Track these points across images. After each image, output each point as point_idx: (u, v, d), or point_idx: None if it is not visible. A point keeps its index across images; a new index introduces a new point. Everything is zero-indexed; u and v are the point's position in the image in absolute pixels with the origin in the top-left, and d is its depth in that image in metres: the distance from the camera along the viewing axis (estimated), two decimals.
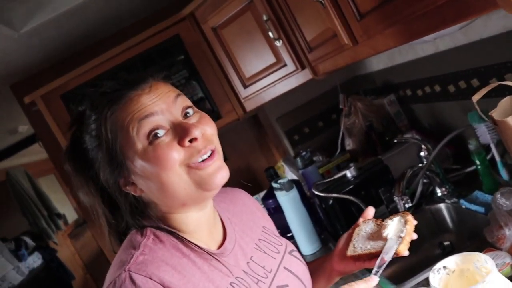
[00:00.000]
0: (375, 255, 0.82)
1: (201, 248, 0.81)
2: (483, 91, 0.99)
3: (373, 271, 0.79)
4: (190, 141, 0.76)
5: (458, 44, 1.54)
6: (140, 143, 0.76)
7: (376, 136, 1.95)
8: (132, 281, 0.71)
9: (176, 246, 0.80)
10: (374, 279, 0.76)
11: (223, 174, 0.79)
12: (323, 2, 1.18)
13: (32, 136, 3.79)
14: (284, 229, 1.66)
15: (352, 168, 1.59)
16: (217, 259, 0.82)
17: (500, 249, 1.03)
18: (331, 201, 1.56)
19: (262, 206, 1.77)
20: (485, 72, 1.46)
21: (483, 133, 1.38)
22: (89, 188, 0.83)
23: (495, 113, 0.99)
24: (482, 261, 0.75)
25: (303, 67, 1.67)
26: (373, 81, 2.26)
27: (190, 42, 1.86)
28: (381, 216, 0.95)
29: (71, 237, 5.39)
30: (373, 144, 1.95)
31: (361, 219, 0.92)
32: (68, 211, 5.52)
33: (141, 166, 0.77)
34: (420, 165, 1.52)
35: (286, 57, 1.68)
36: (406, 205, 1.39)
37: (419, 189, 1.54)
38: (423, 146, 1.54)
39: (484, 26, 1.39)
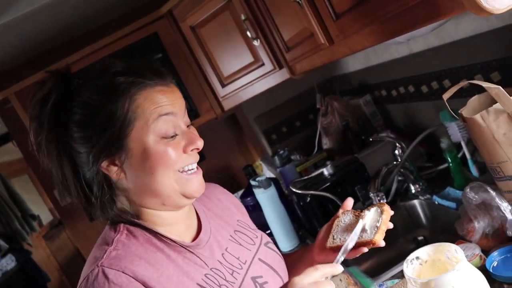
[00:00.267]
0: (354, 246, 0.83)
1: (175, 242, 0.82)
2: (453, 89, 1.03)
3: (337, 257, 0.80)
4: (192, 150, 0.81)
5: (431, 45, 1.58)
6: (154, 135, 0.78)
7: (352, 135, 1.98)
8: (105, 275, 0.72)
9: (149, 241, 0.81)
10: (339, 266, 0.76)
11: (203, 188, 0.85)
12: (300, 2, 1.20)
13: (4, 135, 3.69)
14: (262, 227, 1.67)
15: (329, 166, 1.62)
16: (191, 252, 0.83)
17: (470, 241, 1.07)
18: (308, 199, 1.58)
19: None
20: (456, 73, 1.51)
21: (454, 131, 1.43)
22: (60, 155, 0.80)
23: (465, 111, 1.03)
24: (453, 251, 0.79)
25: (280, 67, 1.69)
26: (349, 82, 2.30)
27: (169, 40, 1.86)
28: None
29: (46, 239, 5.28)
30: (349, 143, 1.98)
31: (340, 211, 0.93)
32: (42, 212, 5.40)
33: (141, 155, 0.78)
34: (394, 163, 1.56)
35: (264, 56, 1.70)
36: (381, 201, 1.42)
37: (394, 186, 1.58)
38: (397, 144, 1.58)
39: (455, 29, 1.43)
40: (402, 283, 1.05)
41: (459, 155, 1.47)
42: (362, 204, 1.57)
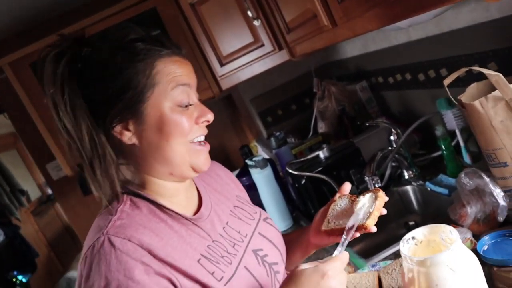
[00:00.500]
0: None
1: (179, 214, 0.83)
2: (454, 75, 1.04)
3: (340, 245, 0.82)
4: (202, 122, 0.84)
5: (429, 34, 1.59)
6: (171, 102, 0.80)
7: (348, 120, 2.00)
8: (111, 243, 0.73)
9: (153, 212, 0.82)
10: (345, 255, 0.79)
11: (210, 163, 0.87)
12: None
13: None
14: (262, 209, 1.70)
15: (325, 149, 1.64)
16: (194, 224, 0.85)
17: (462, 226, 1.10)
18: (303, 180, 1.60)
19: None
20: (454, 62, 1.52)
21: (450, 119, 1.45)
22: (83, 109, 0.78)
23: (463, 97, 1.04)
24: (448, 232, 0.81)
25: (280, 48, 1.69)
26: (347, 67, 2.31)
27: (167, 16, 1.84)
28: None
29: (35, 215, 5.27)
30: (345, 128, 2.00)
31: (337, 195, 0.95)
32: (31, 188, 5.38)
33: (157, 122, 0.79)
34: (389, 148, 1.58)
35: (264, 37, 1.69)
36: (376, 185, 1.44)
37: (388, 171, 1.60)
38: (393, 130, 1.60)
39: (455, 18, 1.44)
40: (395, 264, 1.08)
41: (453, 143, 1.50)
42: (356, 188, 1.59)
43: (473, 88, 1.07)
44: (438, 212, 1.40)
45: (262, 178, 1.65)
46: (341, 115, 2.02)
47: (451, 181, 1.42)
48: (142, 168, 0.83)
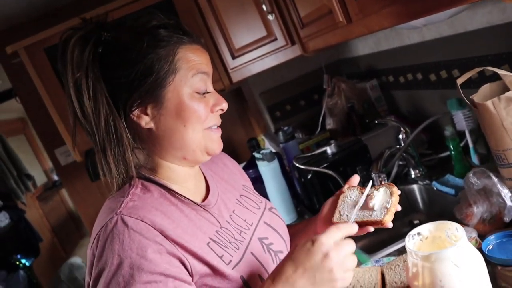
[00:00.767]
0: (360, 225, 0.84)
1: (188, 199, 0.85)
2: (468, 75, 1.05)
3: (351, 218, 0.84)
4: (217, 110, 0.86)
5: (443, 34, 1.59)
6: (190, 89, 0.82)
7: (356, 117, 2.00)
8: (124, 223, 0.74)
9: (164, 196, 0.83)
10: (355, 225, 0.80)
11: (221, 145, 0.89)
12: None
13: (6, 92, 3.67)
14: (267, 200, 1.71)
15: (333, 145, 1.64)
16: (204, 209, 0.86)
17: (467, 225, 1.10)
18: (310, 175, 1.61)
19: None
20: (467, 63, 1.52)
21: (460, 120, 1.45)
22: (104, 92, 0.79)
23: (476, 97, 1.05)
24: (453, 229, 0.81)
25: (293, 43, 1.69)
26: (358, 65, 2.31)
27: (182, 7, 1.85)
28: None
29: (40, 200, 5.32)
30: (353, 125, 2.00)
31: (346, 186, 0.95)
32: (37, 173, 5.43)
33: (176, 107, 0.81)
34: (397, 146, 1.59)
35: (277, 31, 1.70)
36: (383, 182, 1.45)
37: (395, 169, 1.61)
38: (402, 129, 1.60)
39: (470, 19, 1.44)
40: (399, 260, 1.09)
41: (462, 144, 1.50)
42: (362, 185, 1.59)
43: (485, 88, 1.08)
44: (443, 212, 1.40)
45: (269, 171, 1.66)
46: (350, 113, 2.03)
47: (458, 181, 1.42)
48: (156, 152, 0.85)
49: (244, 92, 2.45)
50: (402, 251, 1.21)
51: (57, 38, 1.85)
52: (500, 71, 0.95)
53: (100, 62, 0.79)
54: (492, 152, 1.05)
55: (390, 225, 0.84)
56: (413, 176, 1.61)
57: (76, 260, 4.16)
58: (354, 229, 0.78)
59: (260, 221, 0.96)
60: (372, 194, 0.88)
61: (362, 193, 0.90)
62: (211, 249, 0.80)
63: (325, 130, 2.17)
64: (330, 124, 2.14)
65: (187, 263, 0.76)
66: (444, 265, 0.75)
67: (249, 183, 1.10)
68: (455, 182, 1.43)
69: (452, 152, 1.47)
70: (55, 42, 1.80)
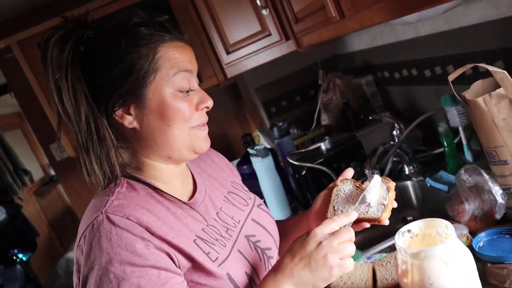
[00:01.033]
0: (357, 221, 0.83)
1: (175, 197, 0.84)
2: (459, 71, 1.04)
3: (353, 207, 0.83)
4: (202, 109, 0.84)
5: (437, 30, 1.58)
6: (172, 88, 0.81)
7: (351, 113, 2.00)
8: (110, 221, 0.73)
9: (150, 194, 0.83)
10: (354, 213, 0.80)
11: (209, 142, 0.88)
12: None
13: (1, 87, 3.65)
14: (257, 196, 1.71)
15: (327, 141, 1.64)
16: (190, 207, 0.86)
17: (459, 222, 1.11)
18: (304, 171, 1.60)
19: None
20: (461, 59, 1.51)
21: (453, 116, 1.45)
22: (84, 93, 0.78)
23: (467, 94, 1.04)
24: (443, 226, 0.81)
25: (287, 38, 1.69)
26: (353, 61, 2.30)
27: (176, 2, 1.83)
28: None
29: (37, 195, 5.31)
30: (348, 121, 2.00)
31: (340, 178, 0.93)
32: (34, 168, 5.41)
33: (158, 107, 0.80)
34: (391, 143, 1.59)
35: (271, 26, 1.69)
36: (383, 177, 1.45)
37: (389, 165, 1.61)
38: (396, 125, 1.60)
39: (464, 15, 1.43)
40: (390, 256, 1.09)
41: (455, 140, 1.50)
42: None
43: (478, 85, 1.07)
44: (436, 208, 1.40)
45: (263, 167, 1.66)
46: (345, 108, 2.02)
47: (452, 178, 1.42)
48: (141, 152, 0.84)
49: (240, 88, 2.44)
50: (394, 247, 1.19)
51: None
52: (491, 68, 0.95)
53: (81, 62, 0.78)
54: (484, 149, 1.05)
55: (386, 222, 0.83)
56: (407, 172, 1.61)
57: (73, 254, 4.14)
58: (353, 217, 0.79)
59: (247, 218, 0.96)
60: (366, 187, 0.86)
61: (356, 186, 0.89)
62: (198, 246, 0.80)
63: (320, 126, 2.16)
64: (325, 120, 2.14)
65: (174, 258, 0.76)
66: (433, 263, 0.75)
67: (238, 180, 1.09)
68: (449, 178, 1.43)
69: (446, 149, 1.47)
70: None
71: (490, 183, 1.03)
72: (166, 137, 0.82)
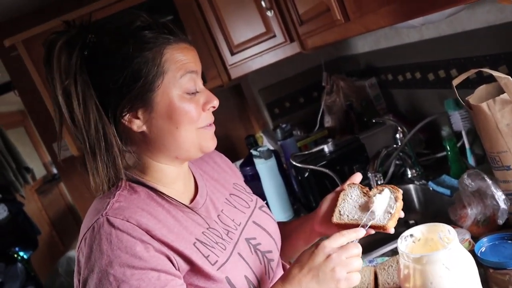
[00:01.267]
0: (362, 226, 0.84)
1: (176, 200, 0.85)
2: (463, 76, 1.04)
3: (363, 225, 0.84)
4: (208, 109, 0.85)
5: (442, 33, 1.58)
6: (180, 90, 0.81)
7: (354, 115, 2.00)
8: (111, 223, 0.74)
9: (151, 197, 0.83)
10: (362, 230, 0.81)
11: (215, 141, 0.88)
12: None
13: (5, 85, 3.67)
14: (259, 197, 1.71)
15: (330, 143, 1.64)
16: (191, 210, 0.86)
17: (461, 227, 1.10)
18: (307, 173, 1.61)
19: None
20: (465, 63, 1.51)
21: (457, 120, 1.45)
22: (93, 98, 0.78)
23: (471, 99, 1.04)
24: (446, 231, 0.82)
25: (291, 40, 1.69)
26: (357, 63, 2.30)
27: (181, 2, 1.84)
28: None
29: (39, 193, 5.32)
30: (351, 123, 2.00)
31: (347, 182, 0.94)
32: (36, 166, 5.43)
33: (167, 110, 0.80)
34: (394, 146, 1.59)
35: (276, 28, 1.70)
36: (379, 182, 1.45)
37: (391, 169, 1.61)
38: (399, 128, 1.60)
39: (468, 19, 1.43)
40: (392, 260, 1.09)
41: (458, 144, 1.50)
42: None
43: (482, 90, 1.07)
44: (439, 212, 1.40)
45: (266, 168, 1.66)
46: (348, 111, 2.02)
47: (454, 182, 1.42)
48: (148, 154, 0.84)
49: (243, 89, 2.44)
50: (396, 251, 1.19)
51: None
52: (495, 73, 0.95)
53: (87, 67, 0.78)
54: (487, 154, 1.05)
55: (392, 231, 0.85)
56: (409, 176, 1.61)
57: (74, 253, 4.17)
58: (361, 233, 0.80)
59: (249, 221, 0.96)
60: (371, 194, 0.87)
61: (364, 193, 0.89)
62: (197, 249, 0.80)
63: (323, 128, 2.16)
64: (328, 122, 2.14)
65: (174, 261, 0.76)
66: (435, 268, 0.76)
67: (240, 181, 1.09)
68: (451, 182, 1.43)
69: (449, 153, 1.47)
70: None
71: (493, 188, 1.03)
72: (175, 139, 0.82)
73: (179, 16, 1.85)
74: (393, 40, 1.90)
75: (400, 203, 0.86)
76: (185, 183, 0.91)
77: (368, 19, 1.13)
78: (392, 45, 1.92)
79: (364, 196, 0.89)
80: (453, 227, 1.12)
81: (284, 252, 1.04)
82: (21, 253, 3.84)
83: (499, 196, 1.03)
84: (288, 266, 1.00)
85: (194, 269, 0.78)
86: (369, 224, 0.84)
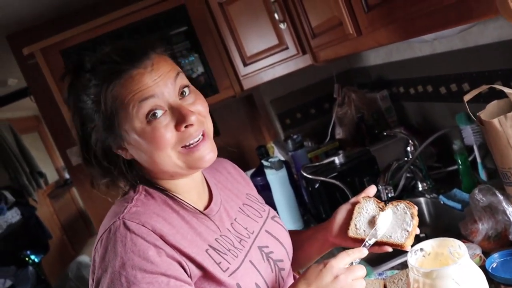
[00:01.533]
0: (379, 243, 0.86)
1: (191, 205, 0.87)
2: (474, 92, 1.05)
3: (365, 244, 0.86)
4: (186, 126, 0.80)
5: (454, 48, 1.59)
6: (139, 121, 0.79)
7: (365, 128, 2.00)
8: (127, 227, 0.77)
9: (166, 202, 0.86)
10: (365, 250, 0.83)
11: (212, 155, 0.84)
12: None
13: (21, 91, 3.74)
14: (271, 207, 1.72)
15: (341, 155, 1.65)
16: (205, 216, 0.88)
17: (472, 242, 1.10)
18: (317, 185, 1.61)
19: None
20: (477, 77, 1.52)
21: (468, 134, 1.45)
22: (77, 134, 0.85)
23: (483, 114, 1.05)
24: (456, 246, 0.82)
25: (304, 52, 1.71)
26: (369, 75, 2.31)
27: (195, 14, 1.87)
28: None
29: (51, 197, 5.38)
30: (362, 135, 2.01)
31: (362, 195, 0.95)
32: (49, 171, 5.50)
33: (136, 141, 0.81)
34: (405, 159, 1.59)
35: (288, 40, 1.72)
36: (389, 195, 1.45)
37: (402, 182, 1.61)
38: (410, 141, 1.60)
39: (480, 34, 1.44)
40: (402, 274, 1.09)
41: (470, 158, 1.49)
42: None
43: (493, 105, 1.08)
44: (449, 226, 1.40)
45: (277, 179, 1.68)
46: (359, 123, 2.03)
47: (465, 196, 1.42)
48: (149, 173, 0.87)
49: (255, 99, 2.46)
50: (406, 264, 1.19)
51: (73, 41, 1.87)
52: (506, 90, 0.95)
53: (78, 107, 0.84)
54: (498, 170, 1.05)
55: (409, 249, 0.86)
56: (420, 189, 1.61)
57: (84, 258, 4.21)
58: (363, 254, 0.82)
59: (261, 230, 0.97)
60: (386, 209, 0.89)
61: (381, 208, 0.90)
62: (209, 255, 0.82)
63: (334, 140, 2.17)
64: (339, 133, 2.14)
65: (186, 267, 0.78)
66: (445, 283, 0.76)
67: (253, 192, 1.10)
68: (462, 196, 1.43)
69: (460, 167, 1.47)
70: (71, 44, 1.86)
71: (504, 204, 1.03)
72: (155, 164, 0.83)
73: (193, 27, 1.88)
74: (405, 53, 1.90)
75: (416, 220, 0.87)
76: (199, 192, 0.93)
77: (380, 34, 1.15)
78: (404, 58, 1.93)
79: (381, 210, 0.90)
80: (464, 241, 1.12)
81: (297, 261, 1.05)
82: (32, 257, 3.88)
83: (511, 211, 1.03)
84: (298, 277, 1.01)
85: (206, 275, 0.80)
86: (372, 242, 0.86)
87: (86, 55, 0.81)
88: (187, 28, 1.89)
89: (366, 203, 0.92)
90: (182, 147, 0.81)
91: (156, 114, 0.79)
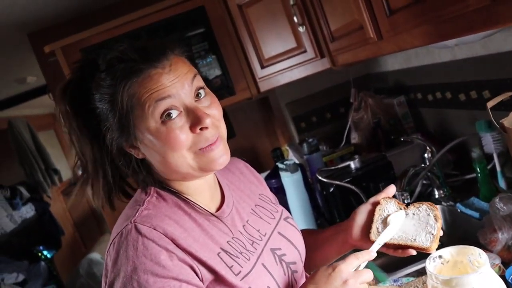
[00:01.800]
0: (403, 247, 0.85)
1: (202, 208, 0.87)
2: (498, 98, 1.03)
3: (374, 246, 0.85)
4: (201, 128, 0.80)
5: (475, 54, 1.57)
6: (154, 121, 0.78)
7: (382, 133, 1.99)
8: (138, 230, 0.77)
9: (178, 205, 0.85)
10: (374, 253, 0.82)
11: (225, 158, 0.84)
12: None
13: (40, 88, 3.79)
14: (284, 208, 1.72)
15: (357, 160, 1.64)
16: (217, 218, 0.88)
17: (491, 251, 1.08)
18: (332, 188, 1.60)
19: None
20: (498, 85, 1.49)
21: (488, 142, 1.42)
22: (86, 137, 0.84)
23: (506, 121, 1.03)
24: (476, 254, 0.80)
25: (322, 56, 1.70)
26: (386, 81, 2.29)
27: (214, 15, 1.88)
28: None
29: (65, 195, 5.44)
30: (378, 140, 1.99)
31: (382, 195, 0.93)
32: (63, 168, 5.55)
33: (149, 141, 0.81)
34: (422, 165, 1.57)
35: (307, 43, 1.71)
36: (405, 201, 1.44)
37: (418, 188, 1.59)
38: (428, 148, 1.59)
39: (504, 41, 1.42)
40: (418, 281, 1.08)
41: (489, 166, 1.47)
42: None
43: None
44: (466, 234, 1.38)
45: (292, 182, 1.67)
46: (376, 128, 2.02)
47: (483, 204, 1.40)
48: (160, 174, 0.87)
49: (271, 102, 2.47)
50: (422, 272, 1.19)
51: (93, 40, 1.89)
52: None
53: (86, 106, 0.83)
54: None
55: (434, 252, 0.85)
56: (436, 196, 1.59)
57: (95, 255, 4.24)
58: (372, 256, 0.82)
59: (274, 232, 0.96)
60: (408, 210, 0.88)
61: (401, 209, 0.88)
62: (221, 259, 0.81)
63: (349, 144, 2.16)
64: (355, 138, 2.13)
65: (197, 271, 0.78)
66: None
67: (266, 191, 1.09)
68: (480, 205, 1.40)
69: (479, 175, 1.45)
70: (91, 43, 1.88)
71: None
72: (168, 165, 0.82)
73: (212, 29, 1.88)
74: (424, 59, 1.89)
75: (440, 223, 0.86)
76: (212, 193, 0.92)
77: (402, 38, 1.13)
78: (423, 64, 1.91)
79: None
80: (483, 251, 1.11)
81: (314, 262, 1.04)
82: (45, 252, 3.93)
83: None
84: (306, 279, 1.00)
85: (218, 278, 0.79)
86: (382, 243, 0.85)
87: (101, 53, 0.80)
88: (205, 29, 1.89)
89: (387, 205, 0.90)
90: (197, 150, 0.81)
91: (171, 115, 0.78)
